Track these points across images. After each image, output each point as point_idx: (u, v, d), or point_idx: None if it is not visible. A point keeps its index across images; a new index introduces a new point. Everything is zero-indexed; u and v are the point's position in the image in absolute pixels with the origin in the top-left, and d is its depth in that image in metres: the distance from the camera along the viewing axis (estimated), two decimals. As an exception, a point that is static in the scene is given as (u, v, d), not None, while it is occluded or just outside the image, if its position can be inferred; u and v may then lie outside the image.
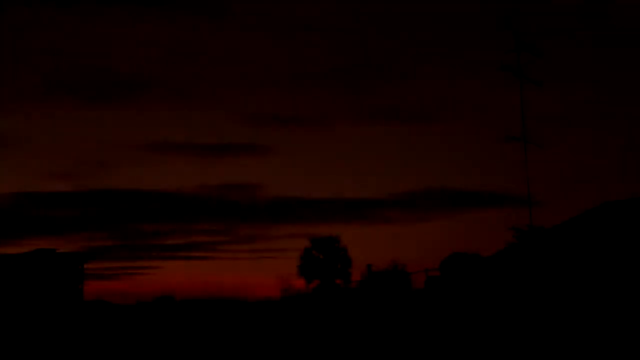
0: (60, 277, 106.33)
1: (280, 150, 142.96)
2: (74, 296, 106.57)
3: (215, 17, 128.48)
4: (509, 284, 31.03)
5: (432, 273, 41.90)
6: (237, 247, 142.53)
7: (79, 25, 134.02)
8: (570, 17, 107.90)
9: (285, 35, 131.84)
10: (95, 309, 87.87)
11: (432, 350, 23.18)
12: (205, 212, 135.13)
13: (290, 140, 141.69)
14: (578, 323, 23.82)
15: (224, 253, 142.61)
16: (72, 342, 35.45)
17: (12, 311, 79.15)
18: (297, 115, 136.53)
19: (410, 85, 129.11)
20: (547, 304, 27.01)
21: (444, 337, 25.96)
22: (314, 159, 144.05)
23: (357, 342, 27.21)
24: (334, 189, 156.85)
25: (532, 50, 30.60)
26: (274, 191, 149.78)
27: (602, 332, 21.99)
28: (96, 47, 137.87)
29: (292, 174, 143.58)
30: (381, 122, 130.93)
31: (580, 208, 36.35)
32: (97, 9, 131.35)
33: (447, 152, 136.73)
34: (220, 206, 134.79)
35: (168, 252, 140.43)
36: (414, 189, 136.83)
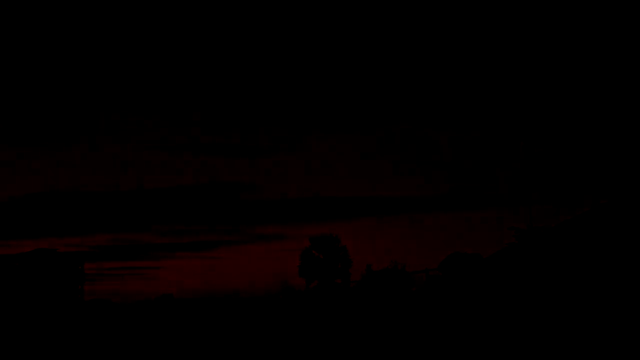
0: (61, 277, 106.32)
1: (287, 151, 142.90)
2: (74, 296, 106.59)
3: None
4: (509, 284, 31.05)
5: (432, 273, 41.97)
6: (239, 247, 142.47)
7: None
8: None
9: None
10: (95, 308, 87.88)
11: (432, 351, 23.21)
12: (207, 212, 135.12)
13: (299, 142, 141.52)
14: (578, 323, 23.86)
15: (224, 252, 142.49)
16: (72, 342, 35.48)
17: (12, 311, 79.17)
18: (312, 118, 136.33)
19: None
20: (547, 304, 27.05)
21: (444, 337, 25.99)
22: (317, 160, 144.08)
23: (357, 342, 27.24)
24: (334, 189, 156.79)
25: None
26: (276, 191, 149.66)
27: (602, 332, 22.02)
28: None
29: (291, 174, 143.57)
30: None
31: (580, 208, 36.42)
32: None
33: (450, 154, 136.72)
34: (222, 206, 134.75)
35: (169, 251, 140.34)
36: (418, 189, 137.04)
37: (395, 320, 34.25)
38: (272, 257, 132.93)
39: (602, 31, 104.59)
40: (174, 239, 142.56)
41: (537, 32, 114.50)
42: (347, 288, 61.22)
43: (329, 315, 42.75)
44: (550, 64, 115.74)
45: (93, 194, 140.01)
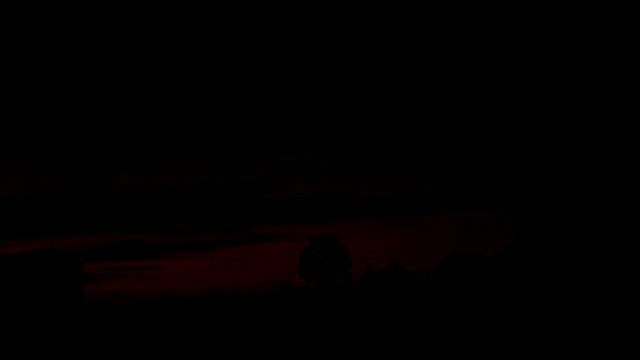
0: (61, 277, 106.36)
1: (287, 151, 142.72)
2: (75, 296, 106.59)
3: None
4: (509, 284, 31.08)
5: (432, 273, 41.99)
6: (238, 247, 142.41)
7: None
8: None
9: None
10: (95, 308, 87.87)
11: (432, 351, 23.23)
12: (207, 212, 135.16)
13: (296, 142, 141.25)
14: (577, 322, 23.89)
15: (224, 252, 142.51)
16: (72, 342, 35.50)
17: (12, 311, 79.19)
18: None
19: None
20: (546, 304, 27.08)
21: (445, 337, 26.02)
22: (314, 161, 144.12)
23: (357, 342, 27.26)
24: (335, 189, 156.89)
25: None
26: (276, 191, 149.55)
27: (601, 332, 22.05)
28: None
29: (291, 174, 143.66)
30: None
31: (580, 208, 36.42)
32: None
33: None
34: (222, 206, 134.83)
35: (169, 251, 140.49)
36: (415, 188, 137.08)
37: (395, 320, 34.27)
38: (272, 257, 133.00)
39: (601, 34, 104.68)
40: (174, 239, 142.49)
41: (536, 35, 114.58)
42: (347, 288, 61.23)
43: (329, 316, 42.76)
44: (551, 67, 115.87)
45: (93, 194, 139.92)
